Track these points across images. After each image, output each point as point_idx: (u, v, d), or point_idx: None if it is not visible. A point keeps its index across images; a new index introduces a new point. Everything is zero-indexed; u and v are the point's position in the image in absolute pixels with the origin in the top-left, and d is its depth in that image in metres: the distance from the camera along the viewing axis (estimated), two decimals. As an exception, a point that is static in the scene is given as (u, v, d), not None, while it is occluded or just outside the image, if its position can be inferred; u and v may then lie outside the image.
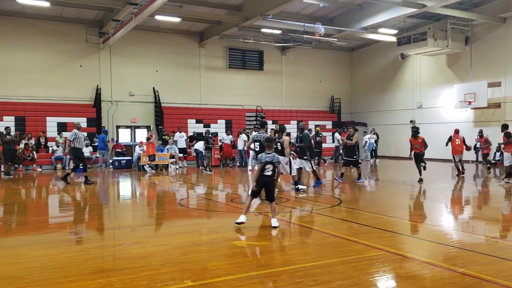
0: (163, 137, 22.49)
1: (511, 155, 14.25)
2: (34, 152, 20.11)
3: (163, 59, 25.75)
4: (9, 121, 21.43)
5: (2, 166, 18.43)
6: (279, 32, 24.43)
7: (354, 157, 14.39)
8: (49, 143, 21.69)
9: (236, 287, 4.62)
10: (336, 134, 23.48)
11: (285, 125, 13.22)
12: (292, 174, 12.18)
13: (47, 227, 8.28)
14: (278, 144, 11.61)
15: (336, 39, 25.42)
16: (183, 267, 5.31)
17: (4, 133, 17.91)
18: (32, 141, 20.74)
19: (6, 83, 22.15)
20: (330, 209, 9.52)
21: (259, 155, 7.83)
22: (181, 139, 22.42)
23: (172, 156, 21.11)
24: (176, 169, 20.97)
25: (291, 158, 12.02)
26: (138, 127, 25.23)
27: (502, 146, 16.12)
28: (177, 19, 22.64)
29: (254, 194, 7.69)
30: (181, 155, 21.96)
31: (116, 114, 24.54)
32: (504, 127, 14.97)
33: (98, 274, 5.05)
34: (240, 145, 21.56)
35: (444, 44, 23.19)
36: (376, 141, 24.99)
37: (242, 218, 7.43)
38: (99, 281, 4.80)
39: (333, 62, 31.14)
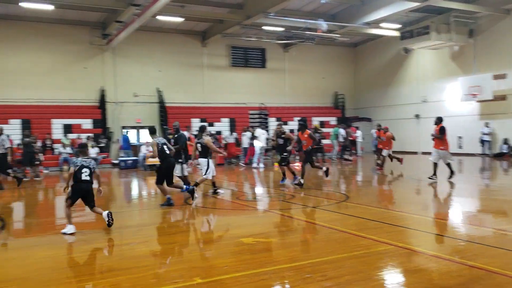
0: (168, 136, 22.51)
1: (437, 152, 12.94)
2: (40, 154, 20.16)
3: (166, 59, 25.78)
4: (15, 124, 21.55)
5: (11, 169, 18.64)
6: (281, 29, 24.38)
7: (285, 154, 12.76)
8: (54, 145, 21.77)
9: (245, 284, 4.63)
10: (341, 130, 23.40)
11: (204, 124, 12.17)
12: (209, 177, 10.95)
13: (55, 228, 8.33)
14: (199, 145, 10.93)
15: (338, 35, 25.34)
16: (191, 264, 5.34)
17: (23, 136, 18.13)
18: (39, 144, 20.81)
19: (11, 86, 22.24)
20: (337, 205, 9.52)
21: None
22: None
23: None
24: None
25: (210, 160, 10.90)
26: (143, 127, 25.28)
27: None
28: (180, 19, 22.65)
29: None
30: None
31: (121, 115, 24.61)
32: (439, 119, 13.22)
33: (106, 273, 5.08)
34: (245, 142, 21.56)
35: (447, 37, 23.07)
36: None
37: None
38: (108, 280, 4.83)
39: (336, 58, 31.07)
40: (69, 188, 7.33)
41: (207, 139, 10.99)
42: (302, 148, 12.90)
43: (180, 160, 11.43)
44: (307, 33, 24.15)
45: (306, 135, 12.48)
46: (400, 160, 17.48)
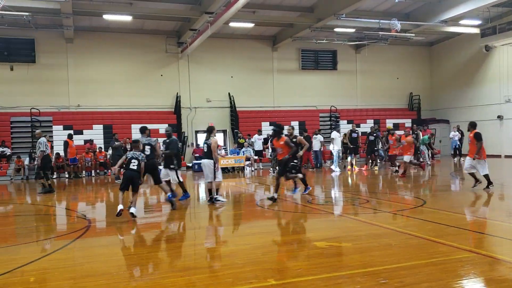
0: (239, 140, 23.01)
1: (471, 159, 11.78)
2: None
3: (237, 64, 26.32)
4: (98, 129, 23.05)
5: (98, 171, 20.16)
6: (352, 30, 24.02)
7: (295, 161, 11.32)
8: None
9: (320, 287, 4.64)
10: (418, 132, 22.57)
11: (212, 125, 11.62)
12: (217, 181, 10.57)
13: (136, 227, 8.80)
14: (205, 145, 10.63)
15: (413, 34, 24.48)
16: (265, 266, 5.43)
17: (113, 139, 19.35)
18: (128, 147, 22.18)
19: (95, 94, 23.81)
20: (413, 210, 9.22)
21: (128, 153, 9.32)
22: (259, 141, 22.76)
23: (247, 159, 21.51)
24: (252, 171, 21.33)
25: (216, 163, 10.50)
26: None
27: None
28: (251, 25, 23.04)
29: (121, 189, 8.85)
30: (256, 157, 22.29)
31: (195, 120, 25.46)
32: (472, 126, 12.32)
33: (186, 272, 5.31)
34: (316, 146, 21.44)
35: (534, 32, 21.56)
36: (460, 139, 23.69)
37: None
38: (187, 278, 5.04)
39: (411, 58, 30.03)
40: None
41: (214, 140, 10.56)
42: (277, 157, 11.32)
43: (172, 166, 11.05)
44: (380, 33, 23.58)
45: (282, 142, 10.87)
46: (421, 165, 16.85)
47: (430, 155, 22.14)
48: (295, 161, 11.19)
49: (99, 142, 22.54)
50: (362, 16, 22.41)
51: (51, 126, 22.55)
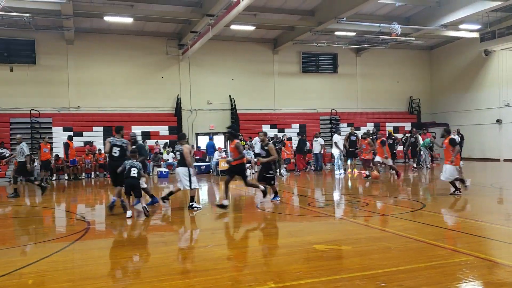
0: (242, 141, 23.01)
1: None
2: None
3: (238, 67, 26.35)
4: (98, 131, 23.04)
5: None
6: (353, 34, 24.06)
7: (270, 172, 10.92)
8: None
9: (318, 290, 4.64)
10: (417, 136, 22.56)
11: (183, 133, 11.54)
12: (192, 188, 10.30)
13: (136, 229, 8.81)
14: (178, 153, 10.31)
15: (413, 38, 24.55)
16: (265, 269, 5.44)
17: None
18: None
19: (95, 96, 23.83)
20: (412, 214, 9.23)
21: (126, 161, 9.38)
22: (259, 144, 22.72)
23: (248, 161, 21.48)
24: (252, 173, 21.29)
25: (190, 169, 10.22)
26: (216, 133, 25.97)
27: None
28: (252, 28, 23.08)
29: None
30: (256, 159, 22.24)
31: (196, 122, 25.48)
32: (447, 132, 12.05)
33: (185, 274, 5.31)
34: (316, 149, 21.45)
35: (534, 37, 21.62)
36: (460, 143, 23.65)
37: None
38: (186, 281, 5.05)
39: (411, 62, 30.09)
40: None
41: (186, 147, 10.17)
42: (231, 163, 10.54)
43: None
44: (380, 37, 23.64)
45: (232, 146, 10.44)
46: (398, 174, 16.05)
47: (430, 158, 22.11)
48: (270, 172, 10.91)
49: (99, 144, 22.52)
50: (363, 20, 22.47)
51: (51, 128, 22.57)
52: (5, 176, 20.01)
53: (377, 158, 15.97)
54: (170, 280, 5.05)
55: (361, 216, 9.25)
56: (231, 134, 10.80)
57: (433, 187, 14.99)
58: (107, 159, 19.21)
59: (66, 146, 20.06)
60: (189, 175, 10.16)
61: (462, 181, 11.60)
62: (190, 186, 10.21)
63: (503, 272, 5.16)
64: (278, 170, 19.87)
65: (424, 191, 13.81)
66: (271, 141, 18.36)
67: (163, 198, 10.88)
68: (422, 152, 21.41)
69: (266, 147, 11.06)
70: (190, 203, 10.29)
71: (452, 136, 11.75)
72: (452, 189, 11.52)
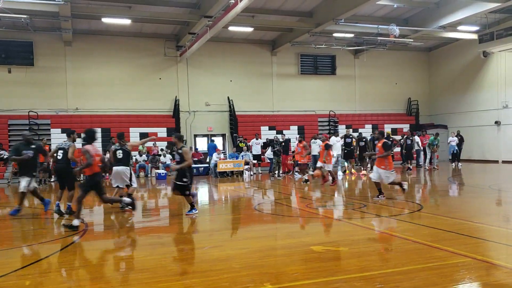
0: (239, 144, 23.01)
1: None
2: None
3: (236, 68, 26.36)
4: (96, 133, 22.96)
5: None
6: (351, 35, 24.09)
7: (184, 180, 9.54)
8: (132, 153, 22.87)
9: (315, 291, 4.64)
10: (416, 137, 22.61)
11: (122, 132, 11.41)
12: (132, 187, 10.45)
13: (133, 231, 8.79)
14: (120, 152, 10.45)
15: (412, 40, 24.58)
16: (262, 270, 5.42)
17: (111, 143, 19.22)
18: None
19: (93, 97, 23.80)
20: (410, 215, 9.23)
21: None
22: (257, 146, 22.74)
23: (246, 163, 21.50)
24: (251, 175, 21.32)
25: (131, 169, 10.45)
26: (214, 135, 25.97)
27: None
28: (250, 29, 23.09)
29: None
30: (255, 161, 22.28)
31: (194, 124, 25.47)
32: (381, 134, 11.86)
33: (182, 276, 5.30)
34: (315, 150, 21.41)
35: (532, 38, 21.65)
36: (458, 144, 23.69)
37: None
38: (183, 282, 5.03)
39: (409, 63, 30.13)
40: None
41: (131, 144, 10.54)
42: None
43: (34, 173, 10.22)
44: (378, 38, 23.67)
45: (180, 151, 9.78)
46: (334, 181, 15.37)
47: (429, 160, 22.12)
48: (184, 180, 9.50)
49: (97, 145, 22.47)
50: (361, 21, 22.51)
51: (49, 129, 22.54)
52: (3, 177, 19.97)
53: (319, 164, 15.38)
54: (167, 282, 5.04)
55: (358, 218, 9.24)
56: (90, 137, 9.61)
57: (430, 189, 14.98)
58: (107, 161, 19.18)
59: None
60: (131, 174, 10.45)
61: (400, 184, 11.40)
62: (132, 183, 10.57)
63: (500, 273, 5.16)
64: (277, 172, 19.87)
65: (422, 193, 13.78)
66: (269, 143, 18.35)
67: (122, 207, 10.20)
68: (427, 152, 21.46)
69: (180, 151, 9.72)
70: (126, 202, 9.72)
71: (385, 140, 11.31)
72: (394, 191, 11.33)
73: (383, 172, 11.10)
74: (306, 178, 16.55)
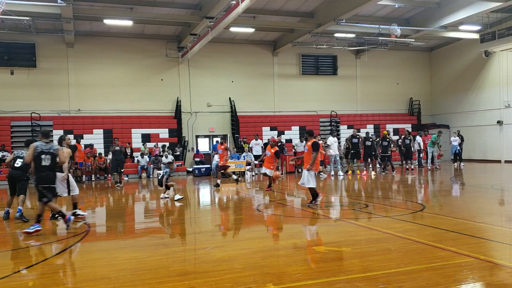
0: (243, 144, 23.03)
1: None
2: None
3: (238, 69, 26.37)
4: (98, 134, 23.07)
5: (110, 176, 20.43)
6: (353, 35, 24.08)
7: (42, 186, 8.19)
8: (134, 154, 22.98)
9: (318, 292, 4.64)
10: (417, 137, 22.60)
11: (63, 135, 10.49)
12: (73, 194, 9.66)
13: (137, 231, 8.80)
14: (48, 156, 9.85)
15: (413, 40, 24.56)
16: (264, 270, 5.42)
17: (113, 144, 19.29)
18: (128, 151, 22.18)
19: (95, 99, 23.85)
20: (412, 215, 9.22)
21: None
22: (256, 146, 22.74)
23: (248, 163, 21.51)
24: (252, 175, 21.33)
25: (69, 175, 9.63)
26: (216, 136, 25.99)
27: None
28: (251, 30, 23.10)
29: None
30: (256, 162, 22.27)
31: (195, 124, 25.49)
32: (310, 134, 11.01)
33: (185, 276, 5.30)
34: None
35: (534, 37, 21.60)
36: (460, 144, 23.67)
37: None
38: (186, 282, 5.04)
39: (411, 63, 30.11)
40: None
41: (65, 150, 9.52)
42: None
43: None
44: (380, 38, 23.64)
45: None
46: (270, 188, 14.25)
47: (430, 159, 22.05)
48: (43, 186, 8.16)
49: (99, 146, 22.57)
50: (362, 22, 22.50)
51: (52, 131, 22.54)
52: (6, 179, 19.98)
53: (266, 170, 14.31)
54: (170, 282, 5.05)
55: (360, 218, 9.23)
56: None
57: (433, 189, 14.96)
58: (109, 162, 19.23)
59: (74, 148, 20.02)
60: (68, 182, 9.50)
61: (314, 195, 10.53)
62: (69, 193, 9.57)
63: (503, 273, 5.15)
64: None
65: (424, 193, 13.76)
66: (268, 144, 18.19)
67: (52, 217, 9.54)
68: (428, 151, 21.43)
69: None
70: (73, 210, 9.47)
71: (315, 140, 10.66)
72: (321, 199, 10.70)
73: (307, 174, 10.38)
74: (219, 182, 15.92)
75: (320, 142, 19.42)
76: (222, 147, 16.51)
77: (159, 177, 13.21)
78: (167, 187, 12.95)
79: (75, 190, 9.75)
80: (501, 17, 23.00)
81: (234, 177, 16.66)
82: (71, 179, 9.78)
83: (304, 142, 17.22)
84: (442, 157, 25.16)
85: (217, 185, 15.86)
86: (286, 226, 8.85)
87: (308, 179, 10.36)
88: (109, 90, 24.09)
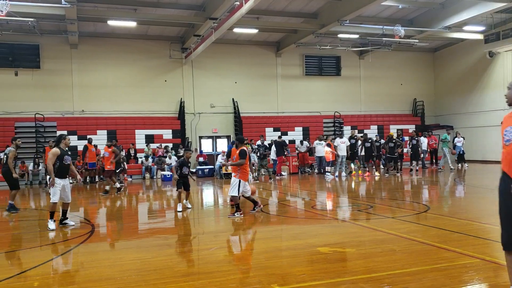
0: (247, 144, 23.01)
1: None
2: (125, 163, 21.40)
3: (241, 70, 26.38)
4: (102, 135, 23.11)
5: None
6: (356, 36, 24.06)
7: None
8: (138, 154, 23.01)
9: (322, 292, 4.63)
10: (422, 138, 22.54)
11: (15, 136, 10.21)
12: (50, 202, 8.75)
13: (141, 232, 8.81)
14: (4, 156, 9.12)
15: (417, 40, 24.52)
16: (269, 271, 5.42)
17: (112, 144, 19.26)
18: (123, 153, 22.10)
19: (99, 99, 23.91)
20: (417, 216, 9.20)
21: None
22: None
23: (252, 165, 21.48)
24: (254, 177, 21.29)
25: (64, 180, 8.83)
26: (219, 137, 26.00)
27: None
28: (255, 31, 23.11)
29: None
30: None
31: (199, 125, 25.52)
32: (240, 141, 10.12)
33: (190, 277, 5.31)
34: (320, 151, 21.41)
35: (538, 38, 21.55)
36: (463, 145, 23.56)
37: None
38: (191, 283, 5.04)
39: (415, 64, 30.05)
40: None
41: (11, 150, 9.17)
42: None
43: None
44: (383, 39, 23.62)
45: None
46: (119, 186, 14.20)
47: (449, 159, 21.90)
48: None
49: (103, 147, 22.55)
50: (366, 22, 22.48)
51: (55, 132, 22.61)
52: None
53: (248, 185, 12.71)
54: (174, 283, 5.05)
55: (364, 219, 9.22)
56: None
57: (437, 190, 14.92)
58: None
59: (85, 148, 20.07)
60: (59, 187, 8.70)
61: (236, 207, 9.80)
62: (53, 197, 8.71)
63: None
64: (257, 175, 19.79)
65: (429, 194, 13.72)
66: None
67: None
68: (439, 150, 21.37)
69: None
70: (61, 218, 8.97)
71: (243, 147, 9.94)
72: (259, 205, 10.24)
73: (234, 181, 9.75)
74: (118, 186, 15.24)
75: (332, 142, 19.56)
76: (110, 150, 15.07)
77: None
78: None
79: (54, 198, 8.63)
80: (505, 18, 22.93)
81: (117, 185, 15.33)
82: (58, 186, 8.64)
83: (305, 142, 17.22)
84: (444, 158, 25.12)
85: (119, 190, 14.90)
86: (290, 227, 8.84)
87: (233, 187, 9.70)
88: (113, 91, 24.15)
